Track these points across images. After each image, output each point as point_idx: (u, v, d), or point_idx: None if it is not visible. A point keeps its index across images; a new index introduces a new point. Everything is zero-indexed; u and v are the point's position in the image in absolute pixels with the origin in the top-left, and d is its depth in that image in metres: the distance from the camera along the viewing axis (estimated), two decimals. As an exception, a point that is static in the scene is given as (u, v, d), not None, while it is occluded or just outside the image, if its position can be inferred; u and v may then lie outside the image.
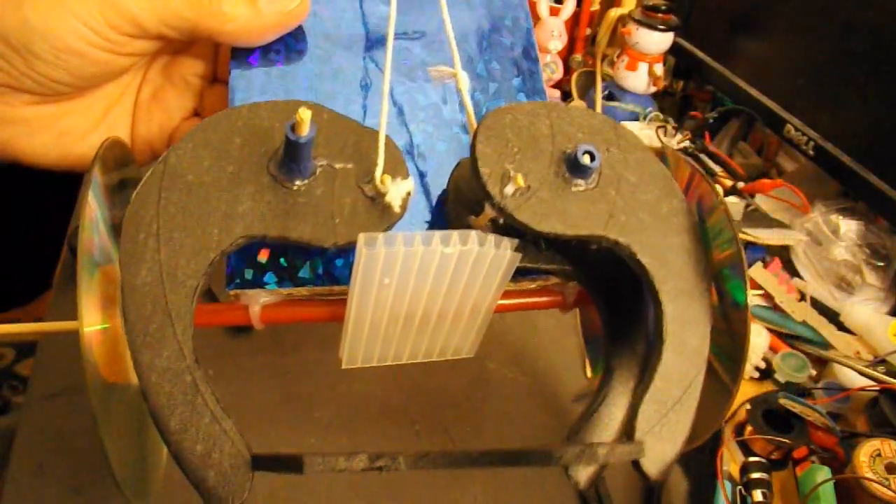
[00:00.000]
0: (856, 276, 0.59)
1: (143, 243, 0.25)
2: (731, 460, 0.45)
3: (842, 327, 0.55)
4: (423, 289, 0.28)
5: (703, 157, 0.69)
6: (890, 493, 0.40)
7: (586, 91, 0.80)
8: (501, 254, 0.28)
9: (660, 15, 0.75)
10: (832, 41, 0.61)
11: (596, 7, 0.84)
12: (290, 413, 0.46)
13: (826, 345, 0.54)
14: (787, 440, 0.44)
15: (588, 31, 0.85)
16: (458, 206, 0.31)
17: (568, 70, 0.83)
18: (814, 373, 0.52)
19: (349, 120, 0.29)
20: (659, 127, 0.73)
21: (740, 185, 0.65)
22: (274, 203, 0.27)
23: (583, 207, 0.28)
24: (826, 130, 0.62)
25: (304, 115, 0.25)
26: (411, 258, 0.27)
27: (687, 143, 0.70)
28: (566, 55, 0.83)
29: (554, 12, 0.79)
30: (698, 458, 0.44)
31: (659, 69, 0.77)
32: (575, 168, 0.28)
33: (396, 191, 0.27)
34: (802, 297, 0.57)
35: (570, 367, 0.50)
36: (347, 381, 0.47)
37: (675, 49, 0.78)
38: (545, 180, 0.28)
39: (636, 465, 0.26)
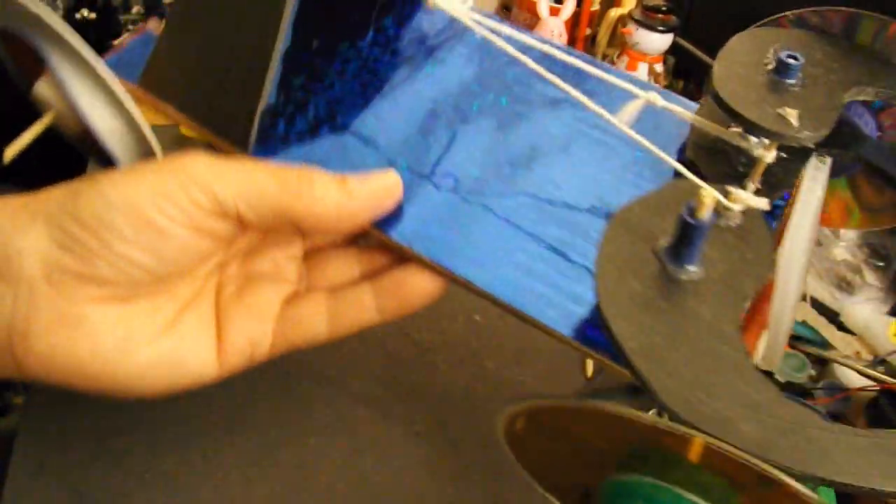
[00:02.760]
0: (856, 276, 0.59)
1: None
2: (731, 460, 0.45)
3: (842, 327, 0.55)
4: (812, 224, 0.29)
5: (703, 157, 0.69)
6: (890, 493, 0.40)
7: (586, 91, 0.80)
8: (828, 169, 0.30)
9: (659, 16, 0.75)
10: (832, 41, 0.61)
11: (596, 7, 0.84)
12: (290, 413, 0.46)
13: (826, 345, 0.54)
14: (787, 440, 0.44)
15: (588, 31, 0.85)
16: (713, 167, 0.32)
17: (568, 70, 0.83)
18: (814, 373, 0.52)
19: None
20: (659, 127, 0.73)
21: (740, 185, 0.65)
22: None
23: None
24: (826, 130, 0.61)
25: (707, 196, 0.25)
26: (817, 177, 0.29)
27: (687, 143, 0.70)
28: (566, 55, 0.83)
29: (554, 12, 0.79)
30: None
31: (659, 69, 0.77)
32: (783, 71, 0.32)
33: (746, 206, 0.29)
34: (803, 297, 0.57)
35: (570, 368, 0.50)
36: (346, 381, 0.47)
37: (675, 49, 0.78)
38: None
39: None
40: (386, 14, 0.42)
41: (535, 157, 0.36)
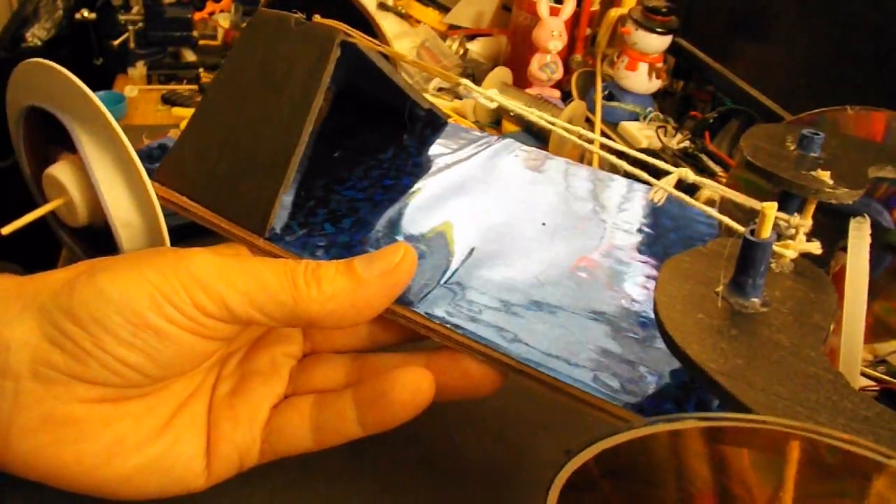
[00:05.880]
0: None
1: None
2: (731, 460, 0.45)
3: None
4: None
5: (703, 157, 0.69)
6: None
7: (586, 91, 0.80)
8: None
9: (659, 17, 0.75)
10: (832, 41, 0.61)
11: (596, 7, 0.84)
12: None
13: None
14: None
15: (588, 31, 0.85)
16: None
17: (568, 70, 0.83)
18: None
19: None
20: (659, 127, 0.73)
21: (740, 185, 0.65)
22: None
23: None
24: (826, 130, 0.62)
25: (770, 210, 0.24)
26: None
27: (687, 143, 0.70)
28: (566, 55, 0.83)
29: (554, 12, 0.79)
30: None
31: (659, 69, 0.77)
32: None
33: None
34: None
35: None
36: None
37: (675, 49, 0.78)
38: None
39: None
40: (408, 136, 0.45)
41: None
